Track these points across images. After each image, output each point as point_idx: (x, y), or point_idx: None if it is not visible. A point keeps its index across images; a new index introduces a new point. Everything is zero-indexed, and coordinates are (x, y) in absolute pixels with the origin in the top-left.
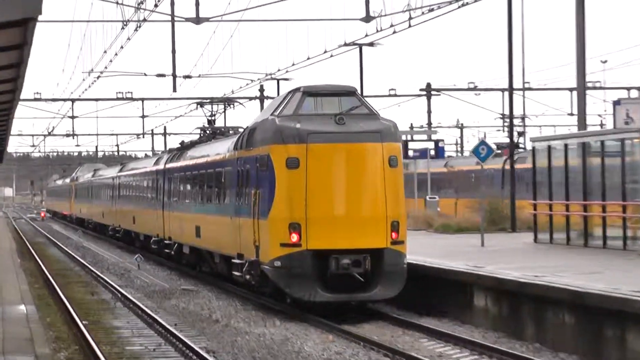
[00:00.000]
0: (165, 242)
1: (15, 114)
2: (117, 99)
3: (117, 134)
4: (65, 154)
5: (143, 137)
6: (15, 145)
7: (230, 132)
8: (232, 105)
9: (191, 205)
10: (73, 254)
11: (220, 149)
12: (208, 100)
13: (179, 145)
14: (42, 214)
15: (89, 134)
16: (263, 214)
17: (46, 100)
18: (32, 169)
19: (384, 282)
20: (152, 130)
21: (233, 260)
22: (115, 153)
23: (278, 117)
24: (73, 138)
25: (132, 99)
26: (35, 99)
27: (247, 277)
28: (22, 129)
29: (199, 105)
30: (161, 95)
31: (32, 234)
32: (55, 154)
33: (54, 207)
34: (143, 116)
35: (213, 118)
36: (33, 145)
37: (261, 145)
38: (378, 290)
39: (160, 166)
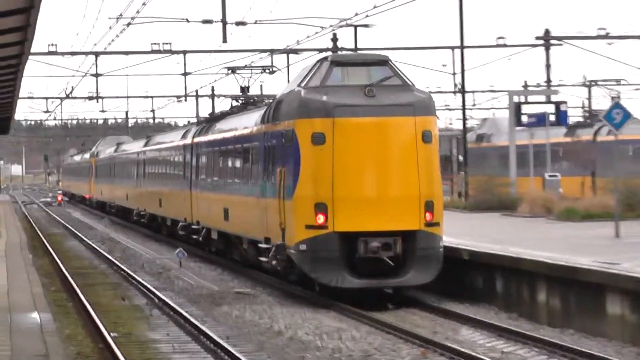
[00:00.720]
0: (193, 226)
1: (24, 72)
2: (152, 51)
3: (152, 97)
4: (88, 121)
5: (185, 100)
6: (25, 112)
7: (265, 102)
8: (269, 71)
9: (219, 185)
10: (97, 247)
11: (248, 122)
12: (242, 66)
13: (208, 116)
14: (59, 198)
15: (116, 97)
16: (288, 193)
17: (63, 54)
18: (46, 142)
19: (417, 266)
20: (196, 91)
21: (259, 245)
22: (150, 120)
23: (304, 89)
24: (97, 102)
25: (170, 51)
26: (50, 53)
27: (274, 262)
28: (34, 91)
29: (230, 71)
30: (207, 47)
31: (47, 223)
32: (74, 121)
33: (71, 189)
34: (185, 74)
35: (247, 85)
36: (47, 111)
37: (286, 119)
38: (411, 276)
39: (188, 140)
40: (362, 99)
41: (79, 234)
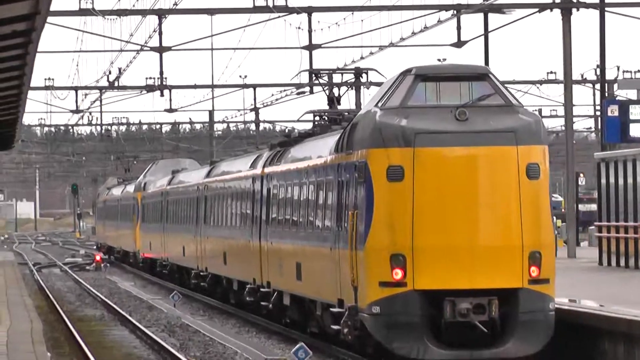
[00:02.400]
0: (262, 290)
1: (38, 44)
2: (255, 8)
3: (253, 86)
4: (144, 127)
5: (311, 91)
6: (40, 112)
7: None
8: (364, 76)
9: (291, 232)
10: (161, 342)
11: (323, 150)
12: (326, 71)
13: (283, 139)
14: (98, 257)
15: (191, 86)
16: (360, 242)
17: (103, 13)
18: (76, 162)
19: (519, 334)
20: (329, 74)
21: (331, 310)
22: (251, 126)
23: (380, 110)
24: (161, 95)
25: (290, 9)
26: (82, 12)
27: (346, 330)
28: (55, 77)
29: (315, 77)
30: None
31: (76, 300)
32: (122, 127)
33: (109, 240)
34: (310, 45)
35: (338, 96)
36: (77, 110)
37: (359, 149)
38: (511, 345)
39: (257, 170)
40: (451, 124)
41: (130, 319)
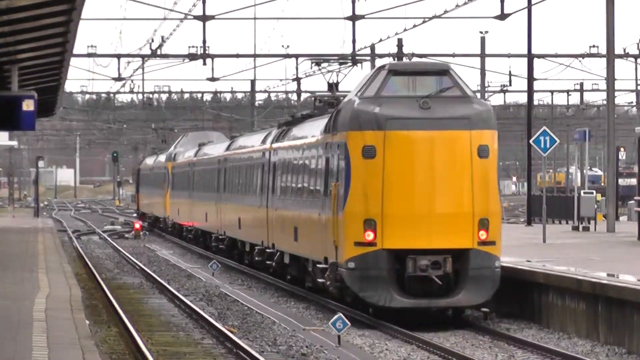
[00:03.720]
0: (268, 250)
1: (83, 6)
2: None
3: (295, 55)
4: (186, 95)
5: (354, 63)
6: (82, 79)
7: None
8: (359, 65)
9: (290, 201)
10: (199, 310)
11: (316, 131)
12: (326, 59)
13: (289, 118)
14: (137, 225)
15: (235, 55)
16: (340, 209)
17: None
18: (117, 130)
19: (469, 286)
20: (371, 46)
21: (318, 266)
22: (293, 97)
23: (359, 99)
24: (204, 63)
25: None
26: None
27: (328, 283)
28: (98, 45)
29: (314, 64)
30: None
31: (115, 268)
32: (164, 95)
33: (147, 209)
34: (354, 16)
35: (335, 82)
36: (120, 78)
37: (341, 130)
38: (462, 296)
39: (267, 145)
40: (416, 112)
41: (169, 287)
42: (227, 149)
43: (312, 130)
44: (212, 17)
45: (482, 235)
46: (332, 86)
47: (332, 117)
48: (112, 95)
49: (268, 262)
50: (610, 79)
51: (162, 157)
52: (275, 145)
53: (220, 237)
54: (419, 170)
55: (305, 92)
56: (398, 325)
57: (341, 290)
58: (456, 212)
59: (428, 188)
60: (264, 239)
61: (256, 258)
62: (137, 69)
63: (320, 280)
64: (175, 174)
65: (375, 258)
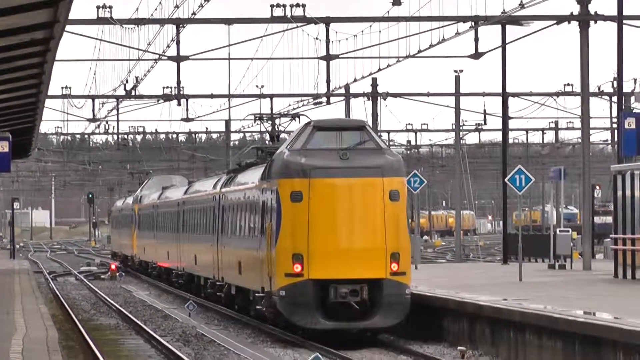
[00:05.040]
0: (218, 283)
1: (58, 48)
2: (273, 19)
3: (270, 95)
4: (162, 136)
5: (328, 102)
6: (56, 120)
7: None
8: (297, 120)
9: (235, 238)
10: (177, 351)
11: (255, 178)
12: (265, 115)
13: (237, 166)
14: (113, 266)
15: (209, 95)
16: (273, 245)
17: (121, 22)
18: (92, 171)
19: (383, 311)
20: (346, 86)
21: (257, 295)
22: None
23: (288, 151)
24: (178, 104)
25: (309, 19)
26: (100, 21)
27: (264, 309)
28: (73, 86)
29: (257, 119)
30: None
31: (91, 309)
32: (139, 137)
33: (118, 248)
34: (328, 56)
35: (276, 134)
36: (94, 119)
37: (274, 178)
38: (377, 319)
39: (217, 189)
40: (336, 162)
41: (146, 328)
42: (185, 192)
43: (253, 177)
44: (186, 58)
45: (394, 267)
46: (274, 137)
47: (267, 166)
48: (87, 136)
49: (218, 294)
50: (585, 116)
51: (129, 200)
52: (224, 190)
53: (179, 272)
54: (339, 211)
55: (283, 132)
56: (325, 345)
57: (275, 315)
58: (371, 247)
59: (347, 226)
60: (215, 273)
61: (208, 290)
62: (111, 110)
63: (258, 307)
64: (141, 215)
65: (302, 287)
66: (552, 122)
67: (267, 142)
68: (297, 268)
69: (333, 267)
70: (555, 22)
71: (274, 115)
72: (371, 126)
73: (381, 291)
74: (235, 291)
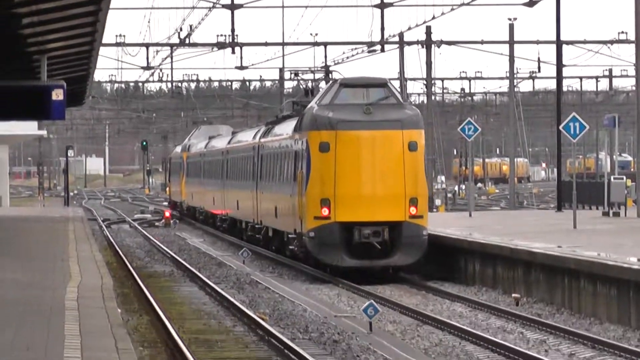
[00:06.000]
0: (257, 226)
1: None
2: None
3: (324, 43)
4: (215, 84)
5: (382, 49)
6: (111, 68)
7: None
8: (330, 75)
9: (271, 185)
10: (231, 298)
11: (289, 130)
12: (305, 70)
13: (274, 118)
14: (167, 214)
15: (263, 43)
16: (303, 191)
17: None
18: (146, 119)
19: (402, 250)
20: (400, 34)
21: (290, 236)
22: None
23: (317, 106)
24: (232, 52)
25: None
26: None
27: (296, 249)
28: (127, 34)
29: (293, 75)
30: None
31: (146, 256)
32: (193, 84)
33: (173, 196)
34: (382, 3)
35: (311, 88)
36: (148, 67)
37: (305, 130)
38: (397, 258)
39: (256, 140)
40: (360, 116)
41: (200, 275)
42: (229, 142)
43: (287, 129)
44: (240, 6)
45: (413, 210)
46: (308, 92)
47: (298, 119)
48: (141, 84)
49: (257, 236)
50: (639, 64)
51: (178, 148)
52: (262, 140)
53: (223, 217)
54: (363, 161)
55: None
56: (350, 281)
57: (306, 254)
58: (392, 193)
59: (370, 174)
60: (255, 217)
61: (249, 233)
62: (165, 58)
63: (291, 247)
64: (189, 164)
65: (329, 229)
66: (606, 70)
67: (321, 89)
68: (325, 212)
69: (357, 210)
70: None
71: (307, 71)
72: (392, 84)
73: (400, 232)
74: (272, 233)
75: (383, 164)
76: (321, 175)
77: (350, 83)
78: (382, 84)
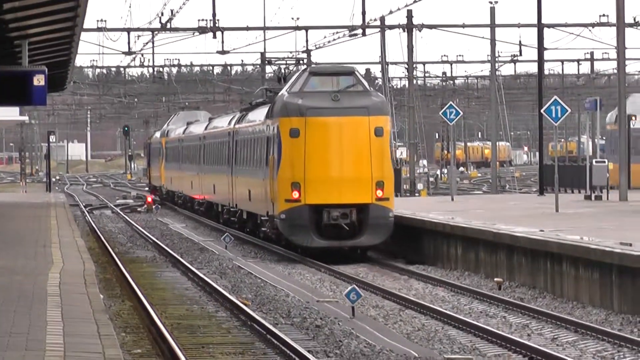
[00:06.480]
0: (232, 210)
1: None
2: None
3: (305, 28)
4: (196, 69)
5: (363, 33)
6: (92, 54)
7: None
8: (302, 63)
9: (245, 169)
10: (213, 283)
11: (261, 116)
12: (277, 59)
13: (248, 105)
14: (149, 199)
15: (244, 28)
16: (275, 175)
17: None
18: (128, 104)
19: (369, 231)
20: (381, 18)
21: (262, 218)
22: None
23: (287, 94)
24: (214, 36)
25: None
26: None
27: (269, 230)
28: (108, 19)
29: (268, 63)
30: None
31: (128, 242)
32: (175, 69)
33: (153, 180)
34: None
35: (283, 75)
36: (130, 52)
37: (276, 117)
38: (364, 238)
39: (231, 126)
40: (329, 103)
41: (182, 260)
42: (206, 128)
43: (260, 116)
44: None
45: (379, 193)
46: (281, 79)
47: (270, 106)
48: (122, 69)
49: (232, 219)
50: (621, 47)
51: (157, 134)
52: (237, 126)
53: (200, 201)
54: (331, 146)
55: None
56: (319, 260)
57: (277, 235)
58: (359, 177)
59: (338, 159)
60: (230, 201)
61: (225, 216)
62: (147, 43)
63: (263, 229)
64: (168, 148)
65: (300, 211)
66: (587, 53)
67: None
68: (295, 195)
69: (326, 193)
70: None
71: (280, 61)
72: (360, 72)
73: (367, 214)
74: (246, 216)
75: (350, 148)
76: (291, 160)
77: (318, 71)
78: (350, 72)
